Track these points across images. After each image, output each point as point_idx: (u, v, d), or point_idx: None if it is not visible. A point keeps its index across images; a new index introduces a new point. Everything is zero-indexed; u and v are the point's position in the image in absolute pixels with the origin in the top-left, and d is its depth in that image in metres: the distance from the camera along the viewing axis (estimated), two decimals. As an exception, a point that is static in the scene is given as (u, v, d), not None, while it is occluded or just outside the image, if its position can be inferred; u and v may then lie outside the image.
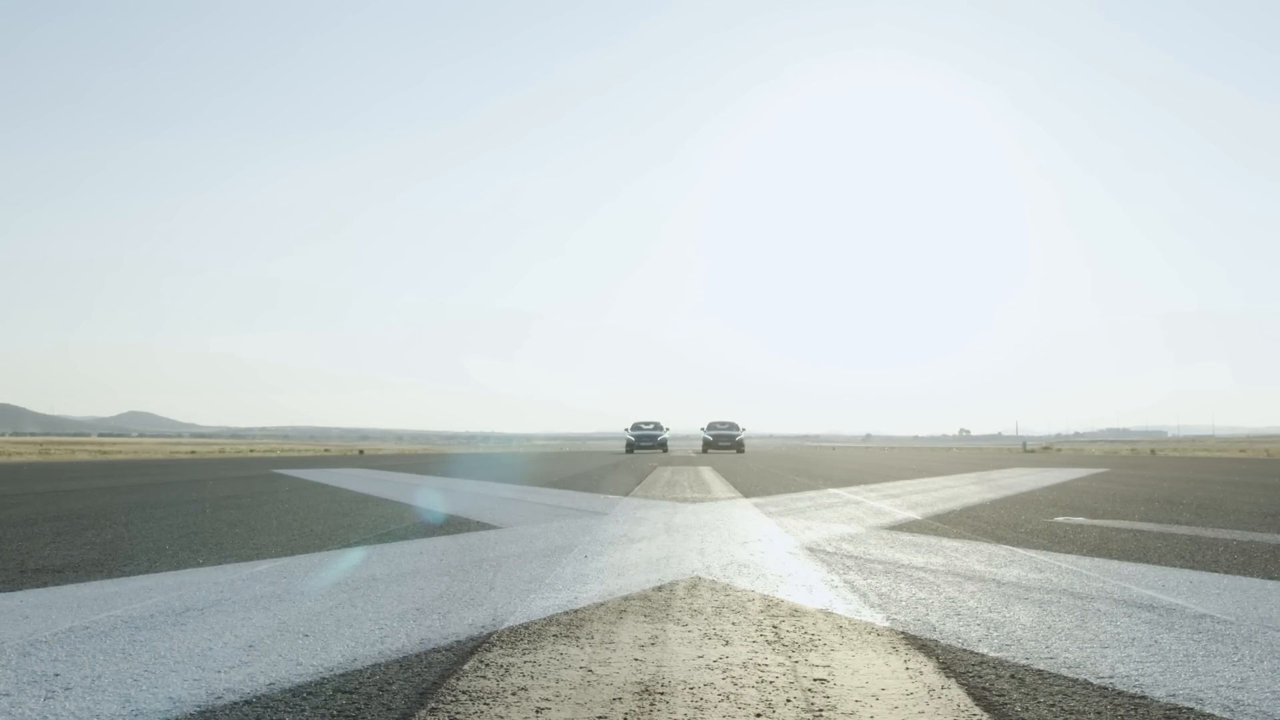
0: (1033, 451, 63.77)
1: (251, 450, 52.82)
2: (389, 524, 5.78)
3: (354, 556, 4.17)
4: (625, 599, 3.01)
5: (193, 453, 46.80)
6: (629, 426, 41.91)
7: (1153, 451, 53.93)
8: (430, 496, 8.59)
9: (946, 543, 4.61)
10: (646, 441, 39.45)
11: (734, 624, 2.59)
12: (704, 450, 39.62)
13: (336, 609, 2.90)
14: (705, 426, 42.49)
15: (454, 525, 5.71)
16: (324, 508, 7.21)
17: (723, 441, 40.40)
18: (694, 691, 1.92)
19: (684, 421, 34.97)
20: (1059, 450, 67.03)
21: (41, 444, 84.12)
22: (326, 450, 68.21)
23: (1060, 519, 6.05)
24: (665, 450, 39.08)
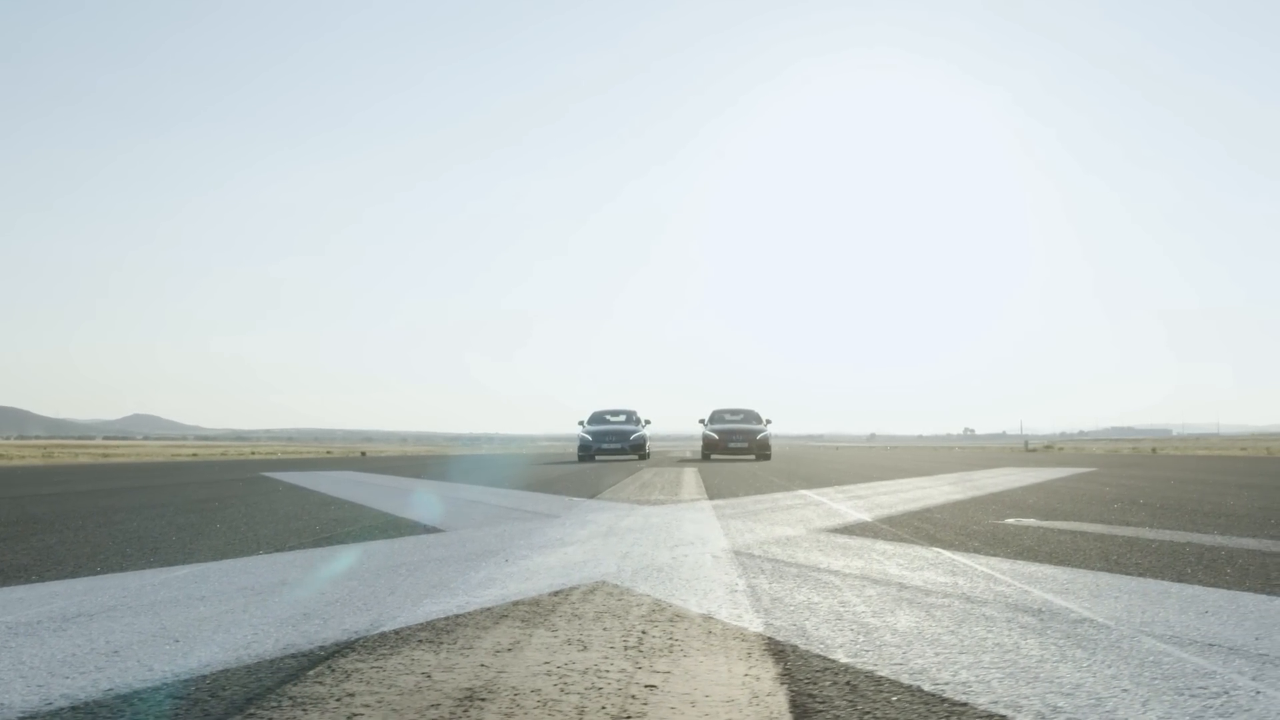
0: (1034, 450, 63.70)
1: (253, 453, 53.04)
2: (339, 527, 5.78)
3: (278, 561, 4.18)
4: (515, 604, 3.00)
5: (194, 456, 46.96)
6: (584, 420, 27.46)
7: (1154, 450, 53.80)
8: (395, 500, 8.60)
9: (879, 545, 4.60)
10: (612, 443, 25.70)
11: (605, 630, 2.59)
12: (705, 455, 25.77)
13: (226, 614, 2.90)
14: (708, 418, 27.60)
15: (401, 529, 5.71)
16: (285, 511, 7.22)
17: (736, 441, 25.53)
18: (516, 698, 1.91)
19: (688, 423, 31.66)
20: (1060, 449, 66.92)
21: (46, 447, 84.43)
22: (329, 452, 68.44)
23: (1011, 520, 6.03)
24: (643, 456, 26.03)
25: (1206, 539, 4.85)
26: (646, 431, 27.04)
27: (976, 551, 4.35)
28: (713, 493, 9.12)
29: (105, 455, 47.30)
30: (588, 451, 25.59)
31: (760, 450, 25.43)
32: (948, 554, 4.26)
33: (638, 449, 25.86)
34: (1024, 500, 8.00)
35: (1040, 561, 3.98)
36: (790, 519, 6.16)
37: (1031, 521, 5.97)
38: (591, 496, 8.62)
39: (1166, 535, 5.06)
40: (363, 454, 60.49)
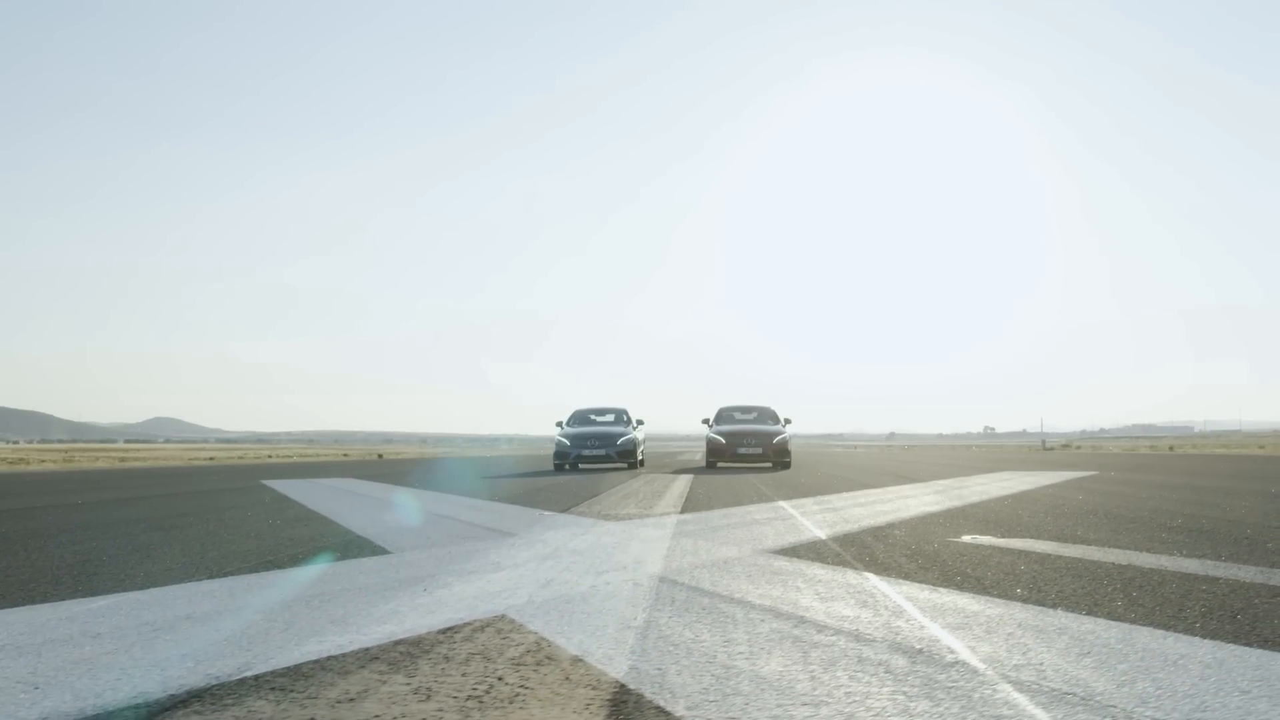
0: (1050, 449, 63.31)
1: (270, 456, 53.15)
2: (292, 549, 5.79)
3: (200, 590, 4.18)
4: (396, 644, 2.99)
5: (210, 460, 47.21)
6: (564, 420, 23.08)
7: (1170, 449, 53.28)
8: (367, 514, 8.59)
9: (811, 570, 4.55)
10: (594, 448, 21.06)
11: (462, 676, 2.57)
12: (710, 463, 21.23)
13: (107, 655, 2.90)
14: (713, 418, 23.08)
15: (350, 550, 5.71)
16: (251, 528, 7.24)
17: (748, 446, 20.76)
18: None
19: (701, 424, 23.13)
20: (1077, 448, 66.45)
21: (66, 451, 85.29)
22: (345, 455, 68.81)
23: (967, 538, 5.97)
24: (634, 465, 21.20)
25: (1151, 560, 4.78)
26: (639, 434, 22.25)
27: (906, 577, 4.30)
28: (689, 506, 9.08)
29: (122, 460, 47.55)
30: (565, 459, 20.65)
31: (778, 457, 20.27)
32: (874, 580, 4.21)
33: (626, 456, 20.71)
34: (997, 513, 7.92)
35: (961, 589, 3.93)
36: (745, 537, 6.12)
37: (986, 539, 5.91)
38: (564, 510, 8.59)
39: (1112, 556, 4.99)
40: (379, 456, 60.78)
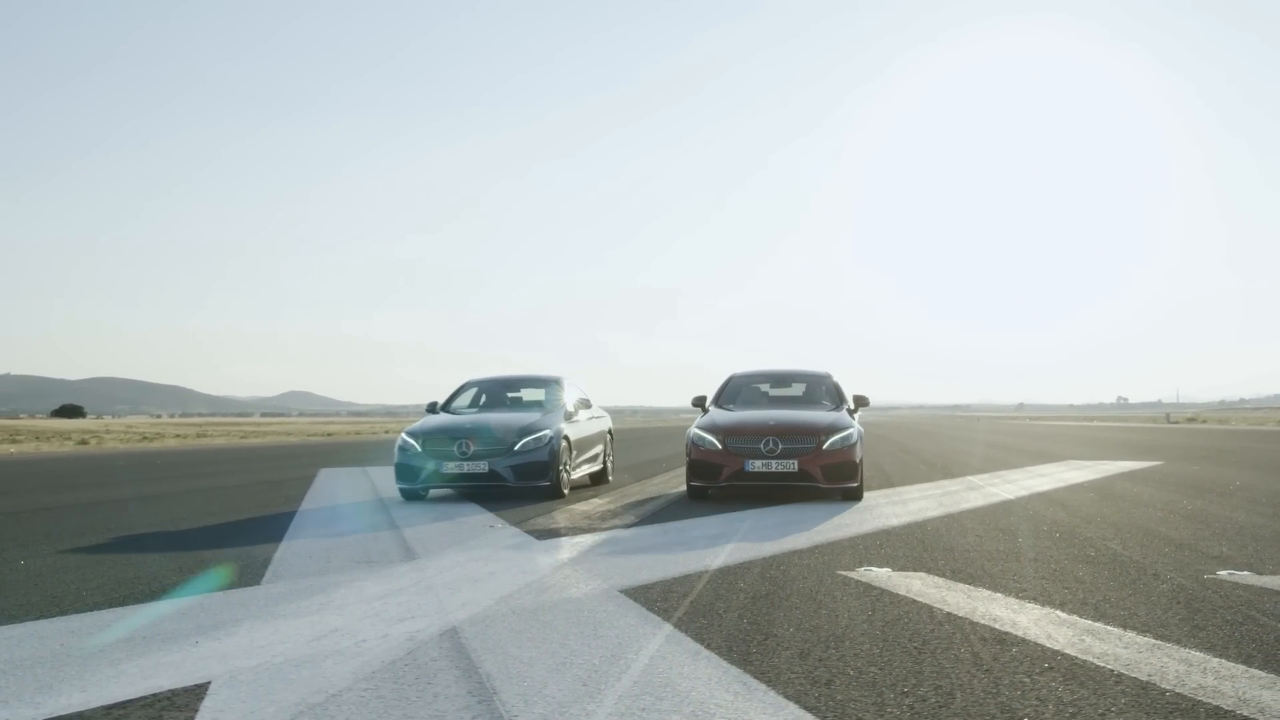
0: (1176, 424, 60.09)
1: (387, 432, 54.29)
2: (188, 572, 5.91)
3: (25, 631, 4.28)
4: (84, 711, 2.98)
5: (328, 435, 48.95)
6: (439, 401, 12.26)
7: (1301, 426, 49.73)
8: (341, 524, 8.66)
9: (623, 618, 4.38)
10: (463, 456, 10.33)
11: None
12: (695, 490, 10.26)
13: None
14: (714, 394, 11.77)
15: (245, 575, 5.77)
16: (194, 541, 7.44)
17: (771, 454, 9.55)
18: None
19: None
20: (1203, 422, 62.81)
21: (200, 425, 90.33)
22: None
23: (860, 571, 5.65)
24: (555, 486, 10.50)
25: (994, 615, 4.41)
26: (577, 425, 11.76)
27: (696, 636, 4.08)
28: (650, 517, 8.90)
29: (243, 436, 49.91)
30: (412, 481, 10.55)
31: (835, 476, 9.67)
32: (667, 629, 4.01)
33: (532, 473, 10.44)
34: (959, 531, 7.50)
35: (714, 650, 3.69)
36: (609, 573, 5.96)
37: (882, 572, 5.59)
38: (519, 522, 8.46)
39: (951, 604, 4.63)
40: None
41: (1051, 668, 3.52)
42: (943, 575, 5.50)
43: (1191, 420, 68.98)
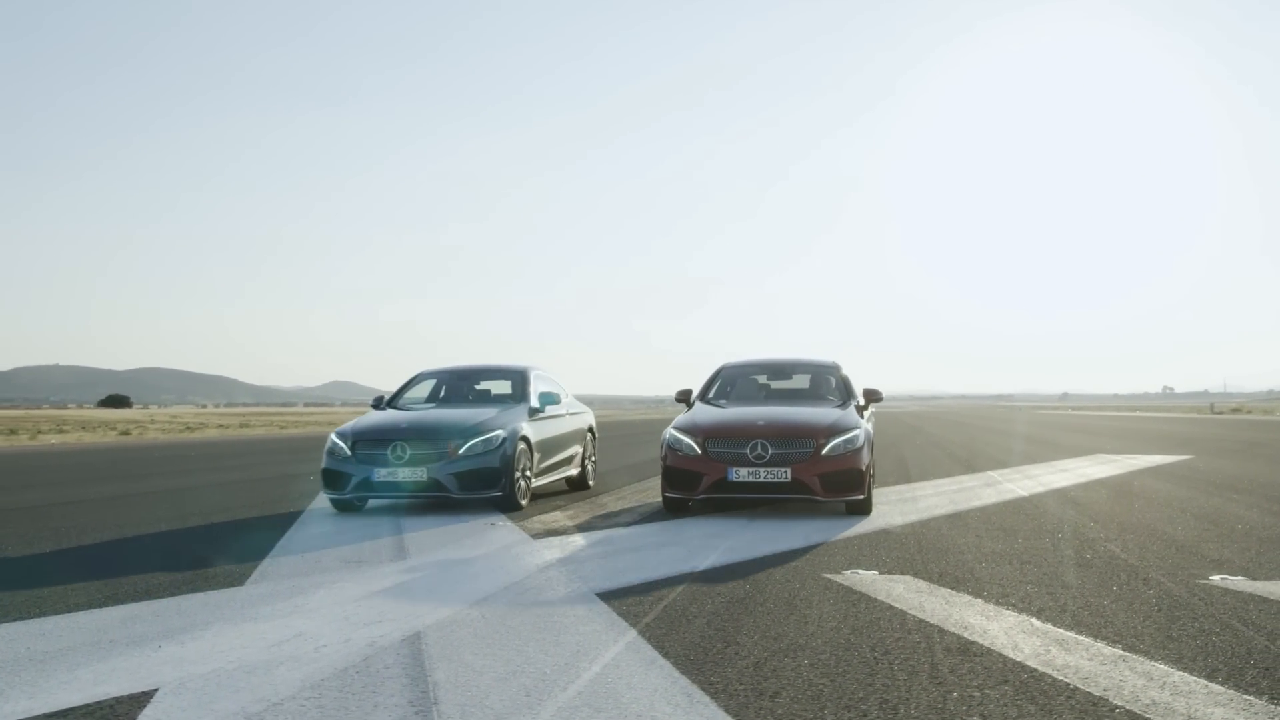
0: (1220, 414, 58.91)
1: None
2: (168, 575, 5.98)
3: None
4: (-25, 735, 3.02)
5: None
6: (384, 397, 10.66)
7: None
8: (344, 524, 8.72)
9: (572, 614, 4.35)
10: (399, 461, 8.67)
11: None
12: (671, 501, 8.56)
13: None
14: (699, 391, 9.98)
15: (235, 575, 5.83)
16: (176, 545, 7.52)
17: (760, 460, 7.92)
18: None
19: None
20: (1248, 412, 61.52)
21: (244, 416, 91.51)
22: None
23: (846, 574, 5.58)
24: (510, 498, 8.84)
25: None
26: (545, 425, 10.06)
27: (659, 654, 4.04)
28: (655, 514, 8.87)
29: (282, 427, 50.47)
30: (341, 489, 8.94)
31: (838, 487, 8.02)
32: (630, 636, 3.99)
33: (479, 481, 8.78)
34: (961, 531, 7.39)
35: (670, 659, 3.65)
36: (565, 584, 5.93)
37: (868, 575, 5.52)
38: (523, 520, 8.46)
39: (927, 610, 4.55)
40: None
41: (1007, 681, 3.44)
42: (928, 579, 5.42)
43: (1236, 411, 67.62)
